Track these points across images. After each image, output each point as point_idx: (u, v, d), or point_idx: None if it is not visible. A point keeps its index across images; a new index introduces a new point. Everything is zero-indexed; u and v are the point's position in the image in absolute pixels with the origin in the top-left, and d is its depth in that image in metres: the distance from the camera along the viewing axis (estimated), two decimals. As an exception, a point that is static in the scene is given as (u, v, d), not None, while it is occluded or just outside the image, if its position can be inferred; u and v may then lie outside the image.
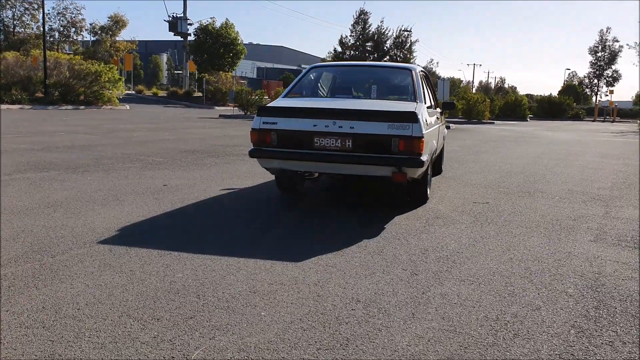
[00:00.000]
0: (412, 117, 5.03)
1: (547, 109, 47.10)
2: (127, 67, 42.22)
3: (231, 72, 41.71)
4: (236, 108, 27.83)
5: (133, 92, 44.39)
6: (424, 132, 5.07)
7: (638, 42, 44.58)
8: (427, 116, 5.62)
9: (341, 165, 5.25)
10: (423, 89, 6.07)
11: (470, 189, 7.00)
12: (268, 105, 5.49)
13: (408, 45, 50.83)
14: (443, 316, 2.84)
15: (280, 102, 5.72)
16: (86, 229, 4.37)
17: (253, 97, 27.48)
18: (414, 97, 5.81)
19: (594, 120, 45.84)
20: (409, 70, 6.26)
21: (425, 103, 5.76)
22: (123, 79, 32.57)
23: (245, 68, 75.30)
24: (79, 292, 3.00)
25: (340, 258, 3.80)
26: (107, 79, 29.01)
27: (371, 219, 5.12)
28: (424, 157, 5.10)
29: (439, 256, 3.90)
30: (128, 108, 30.46)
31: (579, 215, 5.53)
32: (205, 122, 21.04)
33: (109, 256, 3.67)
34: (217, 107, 36.02)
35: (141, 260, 3.61)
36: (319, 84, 6.50)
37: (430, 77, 6.98)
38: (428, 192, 5.92)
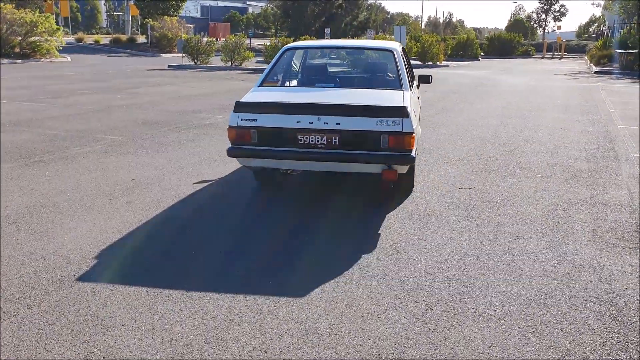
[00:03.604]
0: (402, 112, 4.75)
1: (497, 47, 47.12)
2: (64, 13, 39.81)
3: (176, 16, 39.83)
4: (185, 57, 26.67)
5: (73, 39, 42.01)
6: (414, 126, 4.81)
7: None
8: (414, 104, 5.35)
9: (327, 164, 4.97)
10: (406, 71, 5.75)
11: (450, 167, 6.82)
12: (246, 100, 5.08)
13: (359, -16, 49.61)
14: (475, 375, 2.67)
15: (257, 96, 5.32)
16: (59, 257, 3.97)
17: (203, 45, 26.38)
18: (399, 83, 5.49)
19: (542, 57, 46.31)
20: (391, 52, 5.89)
21: (410, 89, 5.46)
22: (62, 29, 30.63)
23: (189, 8, 72.32)
24: (71, 368, 2.68)
25: (345, 286, 3.56)
26: (43, 29, 27.21)
27: (362, 220, 4.89)
28: (415, 153, 4.86)
29: (447, 277, 3.72)
30: (69, 60, 28.85)
31: (567, 202, 5.44)
32: (156, 77, 20.09)
33: (94, 302, 3.32)
34: (163, 55, 34.53)
35: (131, 307, 3.28)
36: (296, 69, 6.08)
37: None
38: (414, 179, 5.71)
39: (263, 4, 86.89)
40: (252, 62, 26.86)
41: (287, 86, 6.04)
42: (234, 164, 6.68)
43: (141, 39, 41.82)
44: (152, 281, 3.61)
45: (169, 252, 4.13)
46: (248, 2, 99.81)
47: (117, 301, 3.35)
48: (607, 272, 3.84)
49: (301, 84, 5.98)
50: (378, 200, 5.51)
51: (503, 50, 46.39)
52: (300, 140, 4.85)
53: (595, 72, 25.19)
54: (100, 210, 5.03)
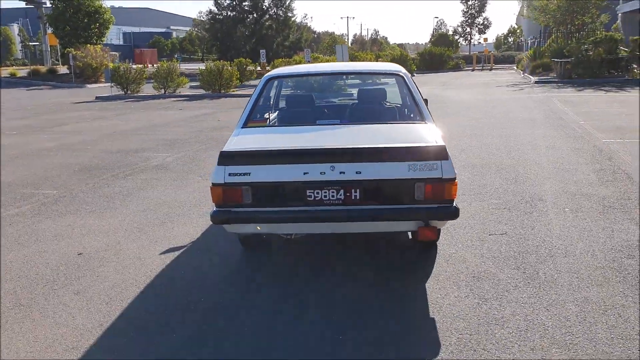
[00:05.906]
0: (440, 152, 3.70)
1: (428, 61, 47.46)
2: (-26, 45, 36.80)
3: (100, 44, 37.65)
4: (114, 87, 24.83)
5: (-15, 73, 38.95)
6: (456, 170, 3.76)
7: None
8: None
9: (347, 224, 3.83)
10: (422, 98, 4.71)
11: (461, 204, 5.69)
12: (233, 149, 3.87)
13: (287, 2, 49.04)
14: None
15: (246, 141, 4.11)
16: (-12, 410, 2.64)
17: (132, 73, 24.65)
18: (420, 115, 4.44)
19: (473, 70, 46.96)
20: (400, 76, 4.84)
21: (433, 121, 4.41)
22: (-28, 62, 28.07)
23: (111, 35, 69.56)
24: None
25: None
26: (-48, 63, 24.72)
27: (395, 294, 3.77)
28: (456, 204, 3.81)
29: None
30: (-17, 96, 26.38)
31: (625, 246, 4.51)
32: (84, 110, 18.33)
33: None
34: (89, 86, 32.30)
35: None
36: (286, 102, 4.91)
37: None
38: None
39: (187, 28, 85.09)
40: (185, 89, 25.39)
41: (279, 125, 4.86)
42: (205, 221, 5.43)
43: (63, 69, 39.29)
44: None
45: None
46: (172, 27, 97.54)
47: None
48: None
49: (297, 121, 4.78)
50: (399, 259, 4.42)
51: (434, 64, 46.84)
52: (310, 196, 3.71)
53: (536, 82, 25.22)
54: (42, 312, 3.67)
